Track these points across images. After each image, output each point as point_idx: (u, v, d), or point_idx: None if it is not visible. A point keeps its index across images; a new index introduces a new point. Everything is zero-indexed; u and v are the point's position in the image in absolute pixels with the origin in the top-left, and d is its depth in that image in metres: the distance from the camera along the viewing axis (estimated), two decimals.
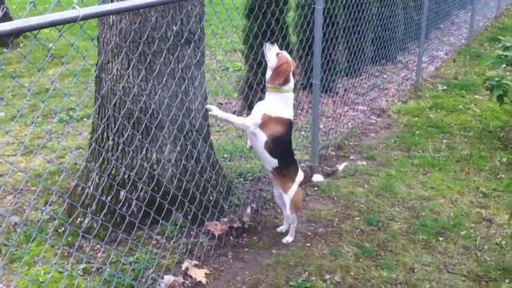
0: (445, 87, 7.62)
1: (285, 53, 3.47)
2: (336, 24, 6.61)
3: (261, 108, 3.45)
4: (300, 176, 3.72)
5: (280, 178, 3.65)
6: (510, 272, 3.54)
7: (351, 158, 5.31)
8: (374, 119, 6.39)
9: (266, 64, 5.55)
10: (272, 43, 3.46)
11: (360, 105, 6.72)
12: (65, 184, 4.46)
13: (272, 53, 3.44)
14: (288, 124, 3.50)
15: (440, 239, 3.93)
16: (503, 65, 6.27)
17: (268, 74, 3.46)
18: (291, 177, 3.66)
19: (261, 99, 5.73)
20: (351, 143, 5.66)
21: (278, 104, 3.44)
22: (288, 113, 3.48)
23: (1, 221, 3.86)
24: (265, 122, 3.42)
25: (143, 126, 3.63)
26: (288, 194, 3.66)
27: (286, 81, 3.40)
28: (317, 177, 3.90)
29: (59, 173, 4.58)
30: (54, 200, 4.20)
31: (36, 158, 4.91)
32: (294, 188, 3.67)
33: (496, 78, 5.71)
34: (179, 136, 3.80)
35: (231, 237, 3.82)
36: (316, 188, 4.62)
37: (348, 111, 6.50)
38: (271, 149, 3.48)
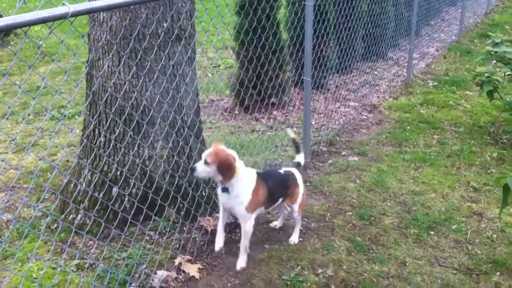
0: (436, 84, 7.66)
1: (205, 153, 3.25)
2: (327, 21, 6.64)
3: (242, 203, 3.32)
4: (299, 179, 3.74)
5: (287, 199, 3.69)
6: (501, 264, 3.58)
7: (343, 153, 5.33)
8: (365, 115, 6.42)
9: (257, 61, 5.61)
10: (192, 170, 3.26)
11: (351, 102, 6.75)
12: (57, 181, 4.45)
13: (202, 168, 3.22)
14: (261, 179, 3.42)
15: (432, 233, 3.96)
16: (493, 61, 6.31)
17: (217, 177, 3.27)
18: (294, 190, 3.69)
19: (252, 96, 5.81)
20: (342, 139, 5.68)
21: (244, 182, 3.33)
22: (253, 176, 3.39)
23: None
24: (254, 205, 3.37)
25: (135, 122, 3.64)
26: (297, 203, 3.71)
27: (232, 169, 3.24)
28: (301, 159, 3.90)
29: (51, 170, 4.57)
30: (46, 197, 4.19)
31: (27, 155, 4.90)
32: (301, 193, 3.72)
33: (486, 74, 5.75)
34: (171, 132, 3.80)
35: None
36: (308, 184, 4.64)
37: (339, 107, 6.53)
38: (271, 203, 3.56)
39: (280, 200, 3.62)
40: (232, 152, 3.30)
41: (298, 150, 3.94)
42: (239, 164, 3.29)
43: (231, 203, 3.35)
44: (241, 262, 3.45)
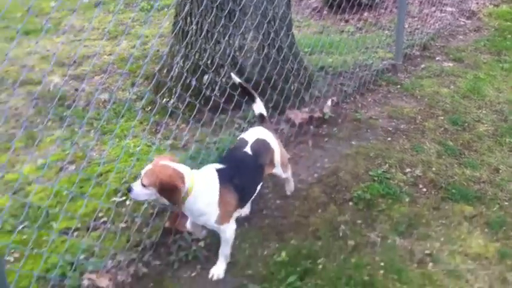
0: None
1: (143, 171, 2.42)
2: None
3: (210, 219, 2.56)
4: (271, 139, 2.90)
5: (267, 172, 2.92)
6: None
7: (437, 58, 5.07)
8: (463, 21, 6.01)
9: None
10: (128, 190, 2.47)
11: (448, 7, 6.31)
12: (150, 68, 4.54)
13: (139, 189, 2.41)
14: (225, 183, 2.57)
15: None
16: None
17: (164, 201, 2.52)
18: (272, 159, 2.89)
19: None
20: (437, 44, 5.38)
21: (204, 197, 2.50)
22: (213, 183, 2.54)
23: (90, 98, 4.02)
24: (227, 216, 2.61)
25: (227, 10, 3.58)
26: (277, 166, 2.95)
27: (179, 193, 2.40)
28: (261, 109, 3.01)
29: (143, 58, 4.65)
30: (140, 82, 4.30)
31: (121, 42, 5.00)
32: (278, 154, 2.93)
33: None
34: (262, 23, 3.73)
35: (311, 127, 3.81)
36: (398, 86, 4.49)
37: (435, 11, 6.13)
38: (247, 199, 2.83)
39: (259, 186, 2.84)
40: (179, 168, 2.46)
41: (251, 96, 2.96)
42: (192, 179, 2.46)
43: (198, 220, 2.64)
44: (217, 270, 2.69)
